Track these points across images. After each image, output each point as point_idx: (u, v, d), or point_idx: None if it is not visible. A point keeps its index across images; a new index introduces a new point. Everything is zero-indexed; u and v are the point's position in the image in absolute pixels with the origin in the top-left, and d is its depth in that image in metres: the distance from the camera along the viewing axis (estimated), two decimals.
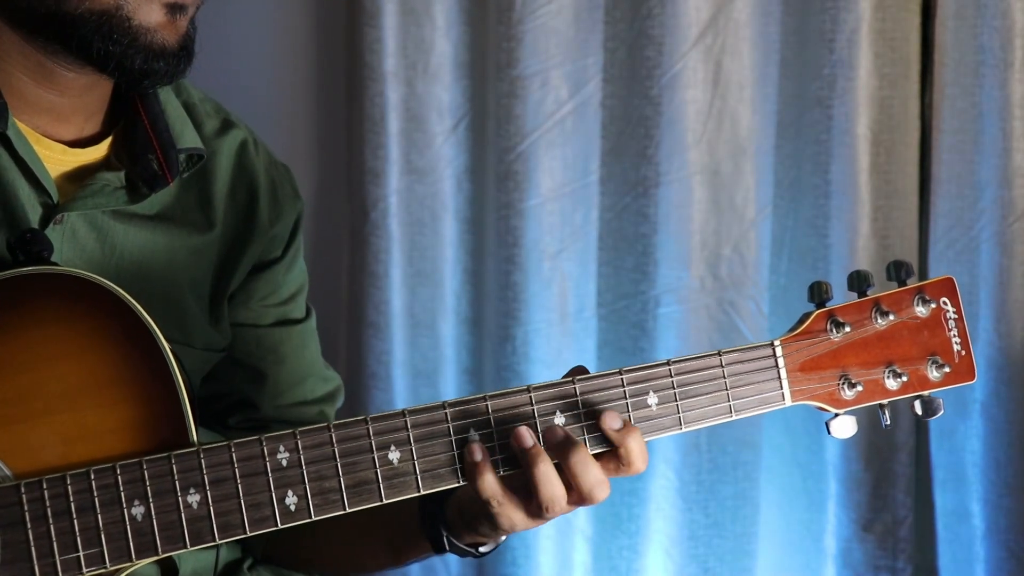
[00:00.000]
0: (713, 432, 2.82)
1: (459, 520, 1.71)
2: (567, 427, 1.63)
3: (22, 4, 1.63)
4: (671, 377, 1.66)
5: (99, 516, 1.50)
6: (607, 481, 1.62)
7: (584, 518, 2.87)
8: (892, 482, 2.80)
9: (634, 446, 1.62)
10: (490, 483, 1.60)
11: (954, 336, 1.74)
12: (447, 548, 1.74)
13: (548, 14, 2.76)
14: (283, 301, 1.92)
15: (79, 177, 1.73)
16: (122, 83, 1.72)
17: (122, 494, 1.50)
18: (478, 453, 1.60)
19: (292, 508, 1.55)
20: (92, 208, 1.71)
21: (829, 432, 1.71)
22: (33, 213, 1.68)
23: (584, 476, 1.60)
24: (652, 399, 1.65)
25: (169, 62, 1.66)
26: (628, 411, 1.64)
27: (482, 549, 1.74)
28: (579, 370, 1.66)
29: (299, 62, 2.93)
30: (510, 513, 1.62)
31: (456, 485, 1.61)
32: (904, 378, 1.71)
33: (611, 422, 1.63)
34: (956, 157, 2.72)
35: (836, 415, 1.71)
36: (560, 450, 1.60)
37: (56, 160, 1.71)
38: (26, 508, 1.49)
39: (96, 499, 1.50)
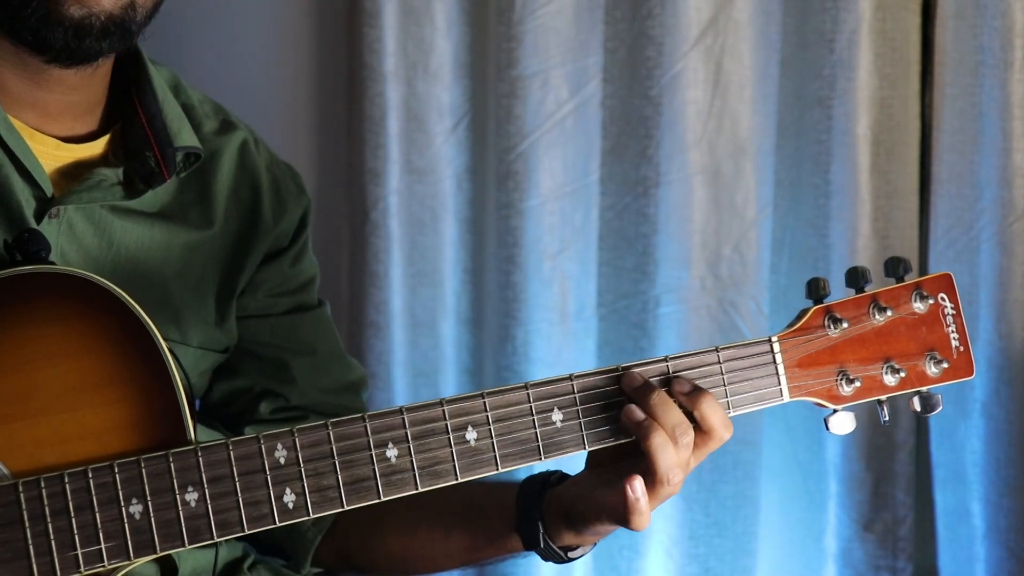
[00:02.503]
0: None
1: (559, 518, 1.71)
2: (565, 423, 1.63)
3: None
4: (669, 374, 1.66)
5: (97, 514, 1.50)
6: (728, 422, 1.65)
7: None
8: (892, 482, 2.80)
9: (708, 411, 1.63)
10: None
11: (952, 332, 1.74)
12: (541, 545, 1.73)
13: (548, 14, 2.76)
14: (294, 290, 1.93)
15: (76, 172, 1.74)
16: (63, 65, 1.70)
17: (120, 492, 1.51)
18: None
19: (290, 506, 1.55)
20: (88, 202, 1.71)
21: (827, 428, 1.72)
22: (27, 207, 1.68)
23: (711, 416, 1.63)
24: None
25: (96, 38, 1.66)
26: None
27: (572, 554, 1.74)
28: None
29: (299, 62, 2.93)
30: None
31: (455, 482, 1.61)
32: (902, 374, 1.71)
33: (680, 386, 1.64)
34: (956, 157, 2.72)
35: (834, 411, 1.71)
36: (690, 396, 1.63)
37: (50, 155, 1.72)
38: (24, 507, 1.49)
39: (94, 497, 1.50)
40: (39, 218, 1.68)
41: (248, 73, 2.89)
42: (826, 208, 2.77)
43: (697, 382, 1.67)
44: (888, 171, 2.77)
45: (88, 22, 1.66)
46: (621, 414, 1.62)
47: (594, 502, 1.66)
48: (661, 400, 1.62)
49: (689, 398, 1.63)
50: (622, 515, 1.62)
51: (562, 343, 2.83)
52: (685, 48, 2.75)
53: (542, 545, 1.72)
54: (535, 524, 1.72)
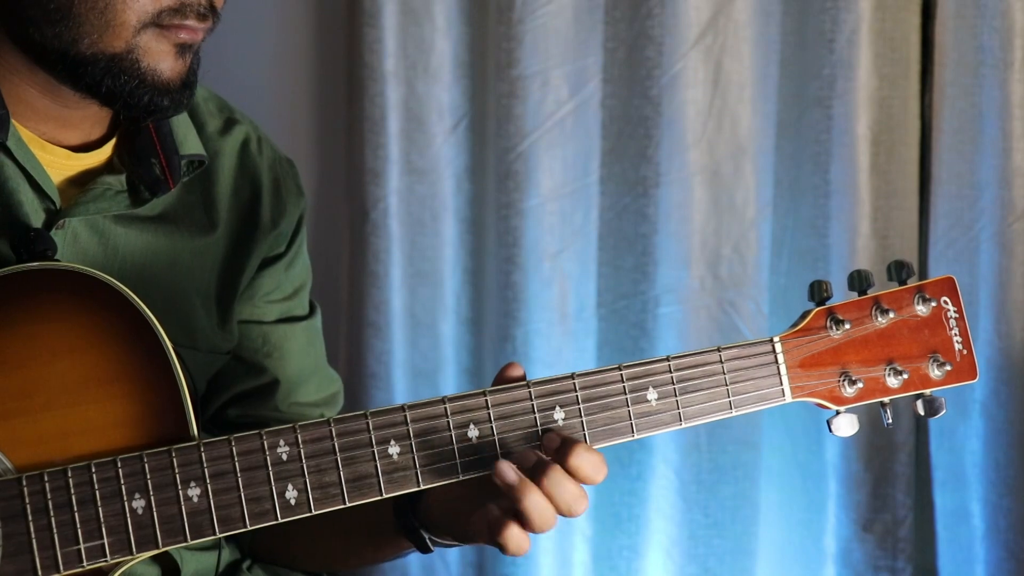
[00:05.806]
0: (713, 432, 2.82)
1: (439, 523, 1.72)
2: (566, 421, 1.63)
3: (35, 38, 1.64)
4: (671, 373, 1.66)
5: (100, 509, 1.50)
6: (585, 495, 1.60)
7: (584, 518, 2.86)
8: (892, 482, 2.80)
9: (578, 462, 1.58)
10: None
11: (955, 335, 1.73)
12: (431, 548, 1.75)
13: (548, 14, 2.76)
14: (286, 297, 1.93)
15: (82, 181, 1.74)
16: (127, 116, 1.74)
17: (123, 487, 1.51)
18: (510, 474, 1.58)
19: (292, 502, 1.55)
20: (94, 213, 1.71)
21: (831, 430, 1.71)
22: (36, 218, 1.68)
23: (561, 494, 1.58)
24: (652, 394, 1.66)
25: (174, 98, 1.68)
26: (628, 406, 1.64)
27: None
28: None
29: (299, 62, 2.93)
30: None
31: (456, 480, 1.61)
32: (905, 376, 1.71)
33: (550, 441, 1.60)
34: (956, 157, 2.72)
35: (837, 412, 1.71)
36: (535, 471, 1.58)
37: (60, 165, 1.72)
38: (27, 501, 1.49)
39: (97, 492, 1.50)
40: (47, 229, 1.68)
41: (248, 73, 2.89)
42: (826, 208, 2.78)
43: (699, 381, 1.66)
44: (888, 171, 2.77)
45: (181, 82, 1.68)
46: (494, 474, 1.57)
47: (473, 527, 1.65)
48: (557, 477, 1.57)
49: (559, 452, 1.59)
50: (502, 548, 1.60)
51: (562, 343, 2.83)
52: (685, 48, 2.75)
53: (432, 548, 1.75)
54: (419, 534, 1.75)
